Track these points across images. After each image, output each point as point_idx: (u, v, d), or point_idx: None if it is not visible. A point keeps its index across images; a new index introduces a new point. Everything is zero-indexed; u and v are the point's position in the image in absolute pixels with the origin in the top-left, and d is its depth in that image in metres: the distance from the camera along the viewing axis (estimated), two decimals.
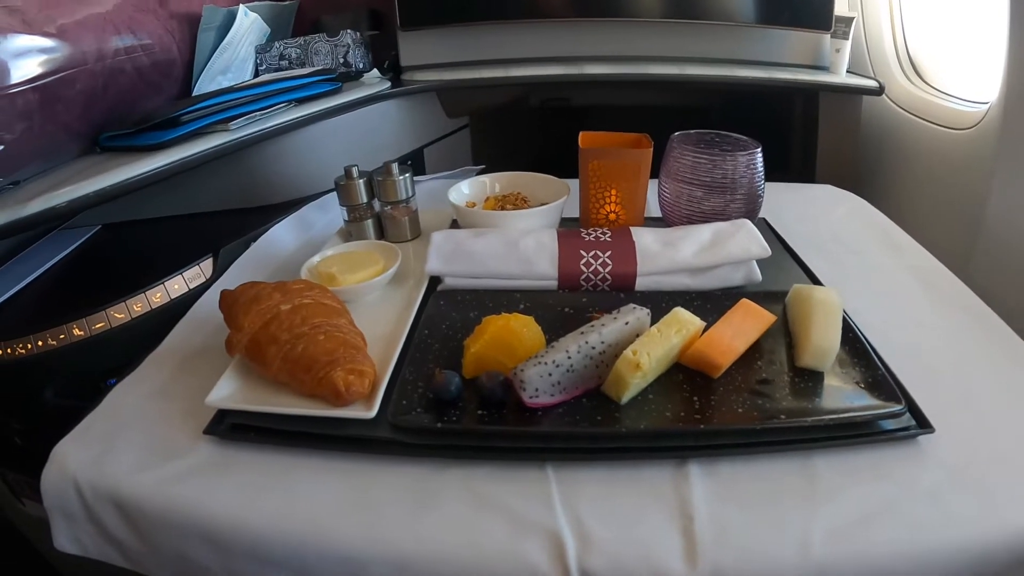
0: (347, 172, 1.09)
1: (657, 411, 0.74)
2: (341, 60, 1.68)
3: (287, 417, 0.75)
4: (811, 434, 0.71)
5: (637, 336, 0.78)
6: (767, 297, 0.90)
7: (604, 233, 0.97)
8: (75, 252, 1.27)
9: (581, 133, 1.08)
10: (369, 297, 0.98)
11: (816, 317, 0.80)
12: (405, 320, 0.90)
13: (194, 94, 1.39)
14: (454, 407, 0.75)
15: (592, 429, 0.72)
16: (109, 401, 0.83)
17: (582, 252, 0.94)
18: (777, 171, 1.06)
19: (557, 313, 0.90)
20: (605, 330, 0.77)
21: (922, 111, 1.59)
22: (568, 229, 1.01)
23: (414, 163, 1.59)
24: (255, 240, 1.19)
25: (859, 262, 1.08)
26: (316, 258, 1.01)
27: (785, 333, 0.86)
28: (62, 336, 1.03)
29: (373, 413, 0.74)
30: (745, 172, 1.03)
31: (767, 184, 1.07)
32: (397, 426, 0.73)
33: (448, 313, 0.91)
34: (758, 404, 0.74)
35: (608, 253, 0.94)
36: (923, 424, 0.72)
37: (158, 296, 1.09)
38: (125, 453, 0.74)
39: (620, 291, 0.94)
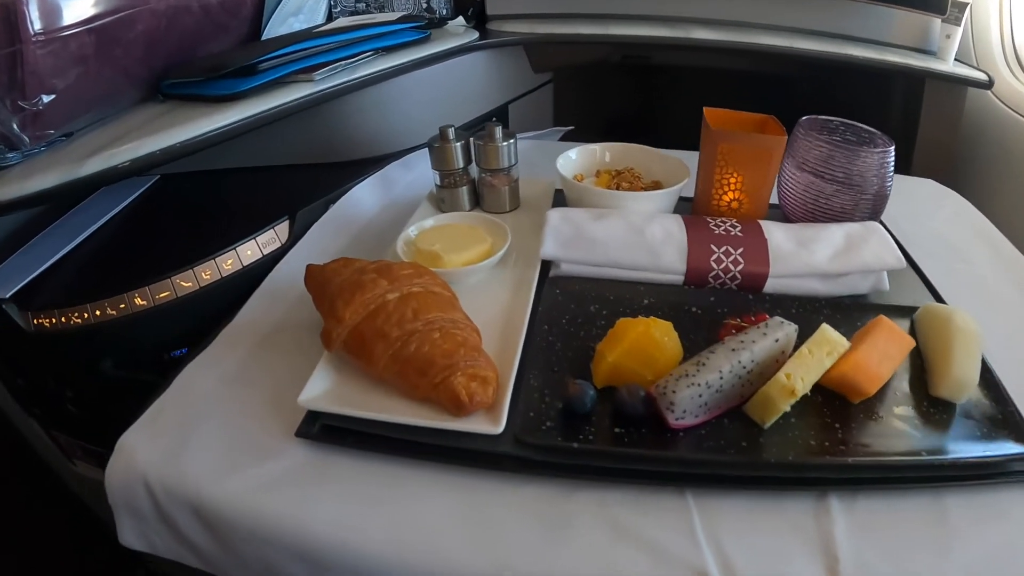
0: (442, 133, 0.95)
1: (801, 439, 0.65)
2: (424, 5, 1.49)
3: (397, 426, 0.64)
4: (946, 472, 0.64)
5: (783, 354, 0.69)
6: (896, 312, 0.81)
7: (734, 226, 0.85)
8: (131, 207, 1.10)
9: (706, 109, 0.94)
10: (473, 280, 0.85)
11: (957, 347, 0.71)
12: (520, 312, 0.78)
13: (264, 37, 1.21)
14: (587, 422, 0.65)
15: (738, 457, 0.64)
16: (179, 384, 0.73)
17: (713, 247, 0.82)
18: None
19: (684, 313, 0.79)
20: (756, 348, 0.67)
21: None
22: (694, 217, 0.89)
23: (498, 120, 1.41)
24: (334, 201, 1.05)
25: (969, 273, 0.97)
26: (412, 230, 0.88)
27: (916, 354, 0.76)
28: (122, 306, 0.89)
29: (500, 428, 0.63)
30: (878, 172, 0.90)
31: None
32: (525, 443, 0.63)
33: (567, 305, 0.80)
34: (896, 435, 0.66)
35: (740, 250, 0.82)
36: None
37: (229, 263, 0.94)
38: (203, 451, 0.65)
39: (748, 291, 0.83)
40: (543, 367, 0.71)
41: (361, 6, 1.42)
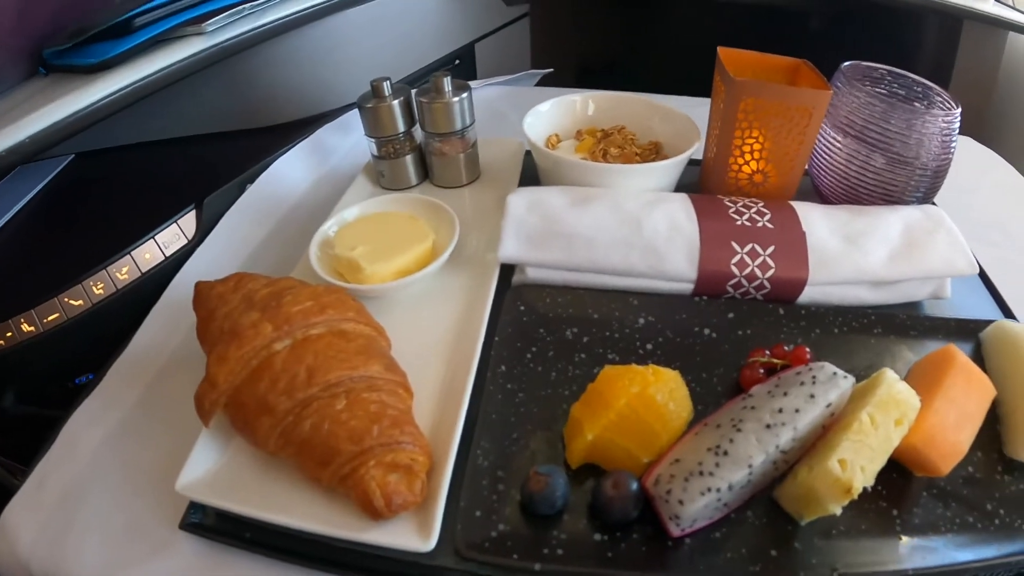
0: (375, 89, 0.65)
1: (850, 539, 0.42)
2: None
3: (296, 534, 0.42)
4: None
5: (832, 416, 0.44)
6: (959, 330, 0.56)
7: (762, 212, 0.57)
8: (35, 199, 0.77)
9: (721, 50, 0.63)
10: (409, 295, 0.58)
11: None
12: (469, 345, 0.51)
13: None
14: (556, 523, 0.42)
15: (768, 570, 0.40)
16: (64, 440, 0.51)
17: (735, 245, 0.54)
18: None
19: (695, 338, 0.53)
20: (801, 423, 0.42)
21: None
22: (708, 199, 0.60)
23: (463, 64, 1.08)
24: (253, 180, 0.75)
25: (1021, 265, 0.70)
26: (331, 226, 0.60)
27: None
28: (9, 334, 0.62)
29: (431, 543, 0.40)
30: (941, 141, 0.61)
31: None
32: (471, 559, 0.40)
33: (534, 330, 0.53)
34: (968, 524, 0.44)
35: (771, 249, 0.54)
36: None
37: (125, 271, 0.66)
38: (87, 536, 0.45)
39: (777, 302, 0.56)
40: (498, 434, 0.46)
41: None
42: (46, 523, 0.46)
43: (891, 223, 0.58)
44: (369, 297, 0.55)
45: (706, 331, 0.53)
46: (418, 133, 0.69)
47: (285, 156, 0.76)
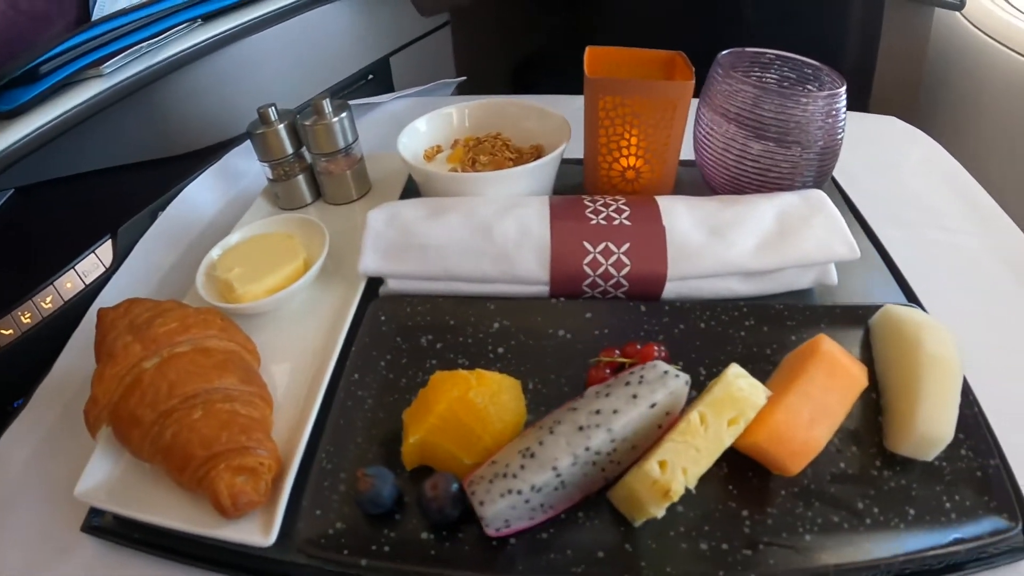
0: (261, 116, 0.67)
1: (689, 543, 0.41)
2: None
3: (167, 532, 0.45)
4: (901, 568, 0.41)
5: (667, 415, 0.43)
6: (845, 317, 0.55)
7: (620, 210, 0.56)
8: None
9: (588, 49, 0.63)
10: (287, 307, 0.59)
11: (926, 385, 0.46)
12: (328, 355, 0.53)
13: (94, 18, 0.84)
14: (390, 523, 0.43)
15: (592, 571, 0.40)
16: None
17: (586, 244, 0.54)
18: None
19: (549, 340, 0.53)
20: (618, 424, 0.41)
21: (1007, 38, 1.06)
22: (566, 200, 0.60)
23: (378, 78, 1.09)
24: (164, 208, 0.77)
25: (948, 244, 0.68)
26: (216, 251, 0.62)
27: (871, 381, 0.50)
28: None
29: (271, 539, 0.43)
30: (824, 121, 0.60)
31: None
32: (306, 554, 0.42)
33: (391, 339, 0.54)
34: (833, 524, 0.42)
35: (626, 246, 0.54)
36: None
37: (49, 300, 0.69)
38: (11, 548, 0.48)
39: (641, 300, 0.55)
40: (345, 439, 0.47)
41: None
42: None
43: (764, 211, 0.57)
44: (245, 315, 0.57)
45: (561, 332, 0.52)
46: (308, 154, 0.70)
47: (194, 183, 0.78)
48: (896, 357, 0.49)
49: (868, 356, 0.52)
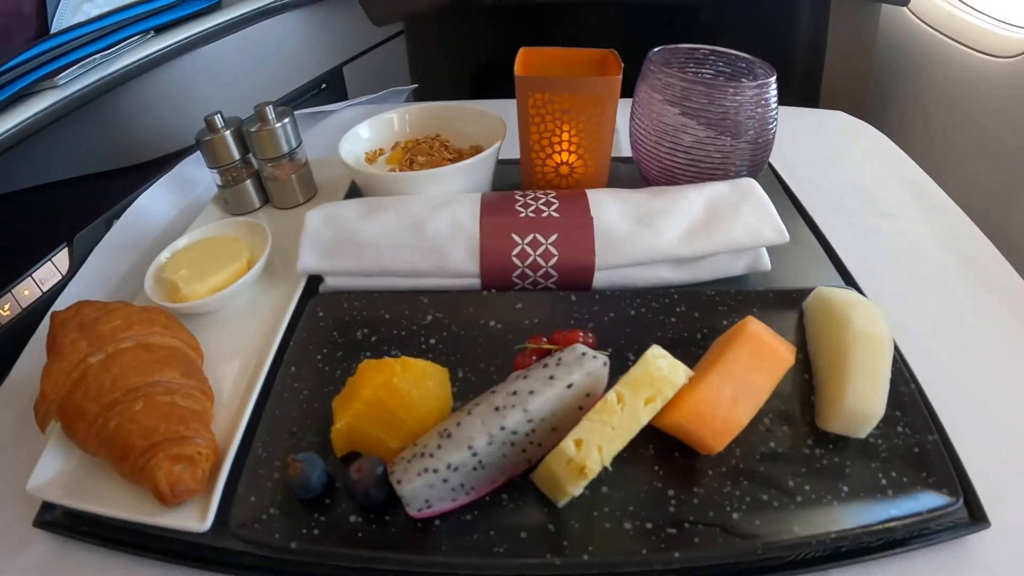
0: (209, 124, 0.69)
1: (613, 523, 0.42)
2: None
3: (115, 518, 0.46)
4: (835, 546, 0.41)
5: (588, 397, 0.44)
6: (778, 301, 0.56)
7: (549, 203, 0.58)
8: None
9: (521, 51, 0.66)
10: (232, 307, 0.61)
11: (854, 364, 0.47)
12: (267, 350, 0.55)
13: (53, 31, 0.86)
14: (320, 507, 0.44)
15: (515, 560, 0.41)
16: None
17: (515, 236, 0.56)
18: (779, 89, 0.63)
19: (480, 330, 0.54)
20: (534, 404, 0.42)
21: (953, 31, 1.08)
22: (498, 196, 0.62)
23: (331, 87, 1.11)
24: (118, 216, 0.78)
25: (891, 230, 0.70)
26: (165, 255, 0.64)
27: (803, 363, 0.51)
28: None
29: (206, 524, 0.45)
30: (753, 112, 0.62)
31: None
32: (240, 538, 0.43)
33: (328, 333, 0.56)
34: (762, 503, 0.43)
35: (553, 237, 0.56)
36: (976, 516, 0.43)
37: (7, 308, 0.70)
38: None
39: (571, 290, 0.57)
40: (280, 429, 0.48)
41: None
42: None
43: (693, 200, 0.59)
44: (190, 314, 0.59)
45: (492, 323, 0.54)
46: (255, 159, 0.72)
47: (148, 191, 0.80)
48: (826, 336, 0.50)
49: (803, 339, 0.53)
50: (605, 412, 0.42)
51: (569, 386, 0.42)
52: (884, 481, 0.43)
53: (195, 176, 0.83)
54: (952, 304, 0.61)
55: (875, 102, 1.20)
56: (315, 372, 0.52)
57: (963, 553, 0.42)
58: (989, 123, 1.03)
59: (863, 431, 0.45)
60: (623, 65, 0.63)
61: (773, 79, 0.62)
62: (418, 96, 1.04)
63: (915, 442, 0.45)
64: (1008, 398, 0.52)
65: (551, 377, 0.43)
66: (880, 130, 0.90)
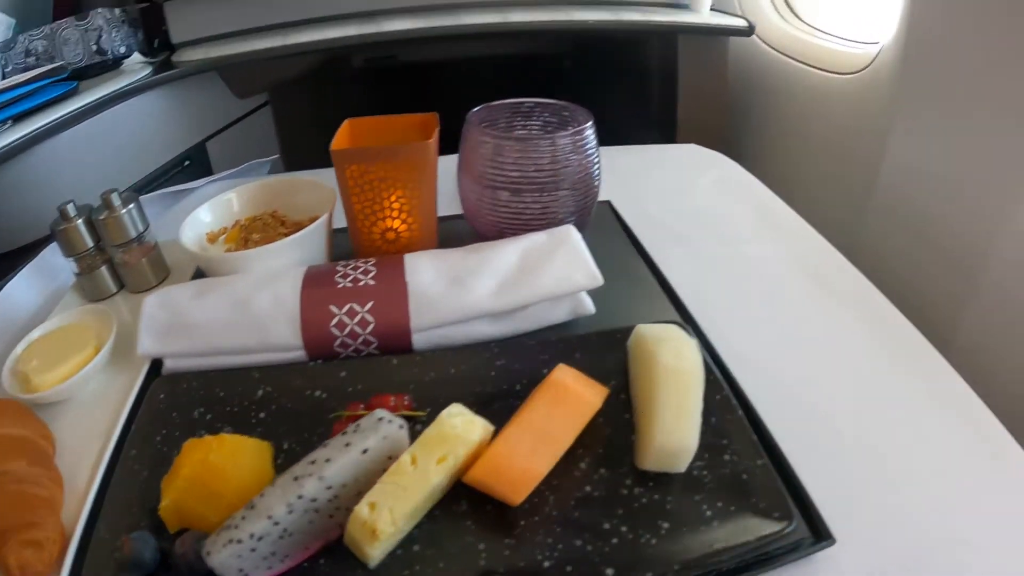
0: (62, 213, 0.72)
1: None
2: (94, 47, 1.13)
3: None
4: None
5: (389, 459, 0.48)
6: (601, 342, 0.59)
7: (367, 271, 0.63)
8: None
9: (345, 122, 0.71)
10: (83, 394, 0.64)
11: (662, 398, 0.48)
12: (112, 434, 0.58)
13: None
14: None
15: None
16: None
17: (332, 308, 0.60)
18: (638, 129, 0.68)
19: (305, 401, 0.58)
20: (331, 471, 0.46)
21: (799, 53, 1.17)
22: (321, 267, 0.66)
23: (195, 162, 1.15)
24: None
25: (733, 256, 0.75)
26: (21, 346, 0.67)
27: (626, 402, 0.54)
28: None
29: None
30: (573, 158, 0.67)
31: (617, 148, 0.71)
32: None
33: (168, 415, 0.59)
34: (574, 548, 0.44)
35: (369, 305, 0.60)
36: (820, 534, 0.44)
37: None
38: None
39: (392, 354, 0.61)
40: (121, 510, 0.51)
41: (32, 61, 1.10)
42: None
43: (508, 253, 0.64)
44: (42, 403, 0.62)
45: (317, 392, 0.58)
46: (107, 246, 0.75)
47: (12, 281, 0.82)
48: (639, 374, 0.52)
49: (627, 379, 0.55)
50: (398, 473, 0.45)
51: (365, 451, 0.46)
52: (709, 512, 0.44)
53: (59, 263, 0.84)
54: (799, 321, 0.65)
55: (736, 130, 1.26)
56: (153, 453, 0.55)
57: (811, 571, 0.43)
58: (841, 138, 1.10)
59: (680, 465, 0.47)
60: (439, 127, 0.67)
61: (588, 124, 0.67)
62: (286, 165, 1.07)
63: (743, 468, 0.47)
64: (855, 413, 0.54)
65: (347, 444, 0.47)
66: (740, 157, 0.97)
